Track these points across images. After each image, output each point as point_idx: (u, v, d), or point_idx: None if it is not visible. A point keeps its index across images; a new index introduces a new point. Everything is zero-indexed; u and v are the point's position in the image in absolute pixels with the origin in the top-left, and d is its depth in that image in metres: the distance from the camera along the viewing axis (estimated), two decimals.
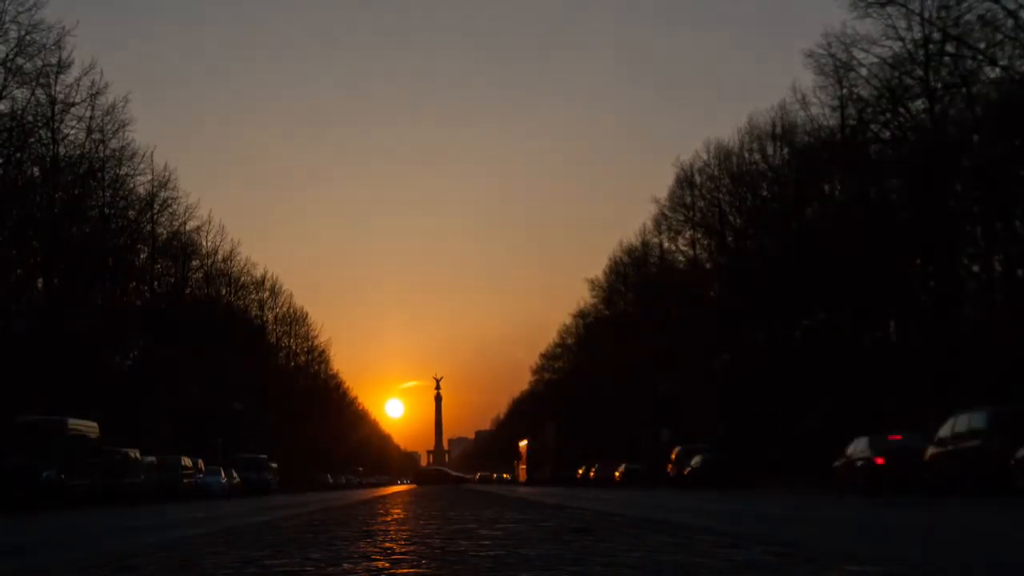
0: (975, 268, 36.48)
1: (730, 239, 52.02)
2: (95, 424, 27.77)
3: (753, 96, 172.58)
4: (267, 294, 71.05)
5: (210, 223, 56.58)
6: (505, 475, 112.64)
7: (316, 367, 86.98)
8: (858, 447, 27.12)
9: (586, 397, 67.55)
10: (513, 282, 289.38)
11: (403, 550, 7.50)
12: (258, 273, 68.22)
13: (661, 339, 53.02)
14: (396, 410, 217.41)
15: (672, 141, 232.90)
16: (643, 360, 55.49)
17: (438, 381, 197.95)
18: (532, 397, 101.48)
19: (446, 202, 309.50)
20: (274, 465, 54.96)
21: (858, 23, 36.47)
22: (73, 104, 39.00)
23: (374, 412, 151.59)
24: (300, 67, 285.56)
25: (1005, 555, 7.16)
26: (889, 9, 34.82)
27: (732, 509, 15.44)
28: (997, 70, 33.58)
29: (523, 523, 11.07)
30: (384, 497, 29.98)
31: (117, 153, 41.68)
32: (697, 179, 53.51)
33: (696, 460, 39.96)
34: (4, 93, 36.53)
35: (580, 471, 67.08)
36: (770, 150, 47.72)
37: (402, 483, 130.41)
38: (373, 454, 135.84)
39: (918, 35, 35.21)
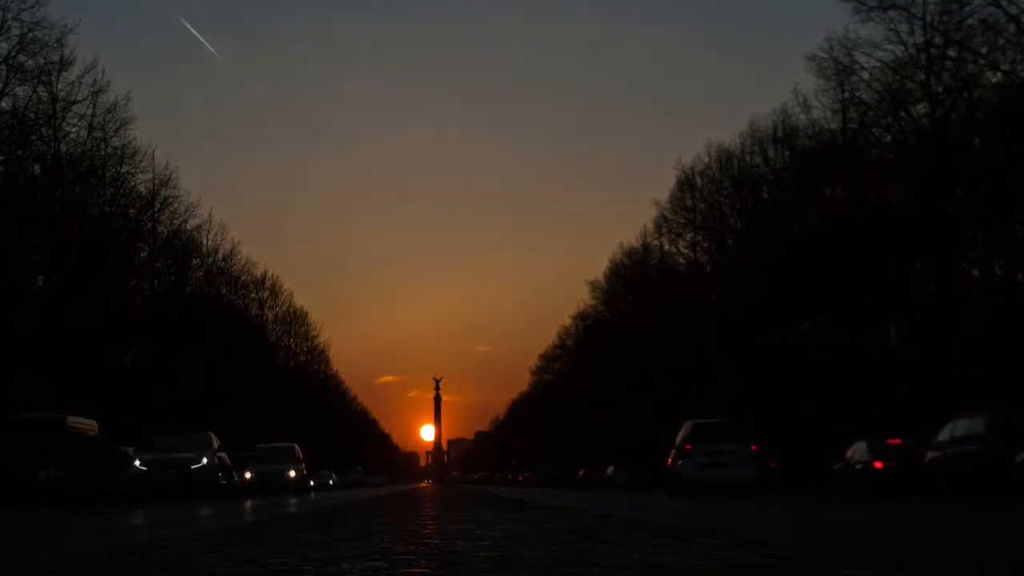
0: (976, 272, 36.50)
1: (731, 242, 52.02)
2: (94, 422, 27.70)
3: (755, 99, 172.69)
4: (267, 294, 71.22)
5: (211, 222, 56.51)
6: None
7: (316, 367, 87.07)
8: (857, 451, 27.16)
9: (585, 399, 67.56)
10: (513, 282, 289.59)
11: (402, 550, 7.50)
12: (258, 272, 68.36)
13: (661, 342, 53.01)
14: (429, 434, 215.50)
15: (673, 143, 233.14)
16: (642, 362, 55.49)
17: (437, 382, 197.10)
18: (531, 398, 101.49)
19: (447, 202, 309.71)
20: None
21: (860, 27, 36.47)
22: (75, 102, 39.06)
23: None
24: (301, 64, 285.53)
25: (1004, 558, 7.16)
26: (891, 13, 34.89)
27: (731, 511, 15.43)
28: (999, 74, 33.62)
29: (522, 524, 11.06)
30: (384, 497, 29.99)
31: (118, 151, 41.71)
32: (698, 181, 53.57)
33: None
34: (6, 91, 36.59)
35: (581, 472, 67.23)
36: (771, 153, 47.77)
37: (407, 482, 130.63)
38: (373, 454, 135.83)
39: (920, 39, 35.26)
